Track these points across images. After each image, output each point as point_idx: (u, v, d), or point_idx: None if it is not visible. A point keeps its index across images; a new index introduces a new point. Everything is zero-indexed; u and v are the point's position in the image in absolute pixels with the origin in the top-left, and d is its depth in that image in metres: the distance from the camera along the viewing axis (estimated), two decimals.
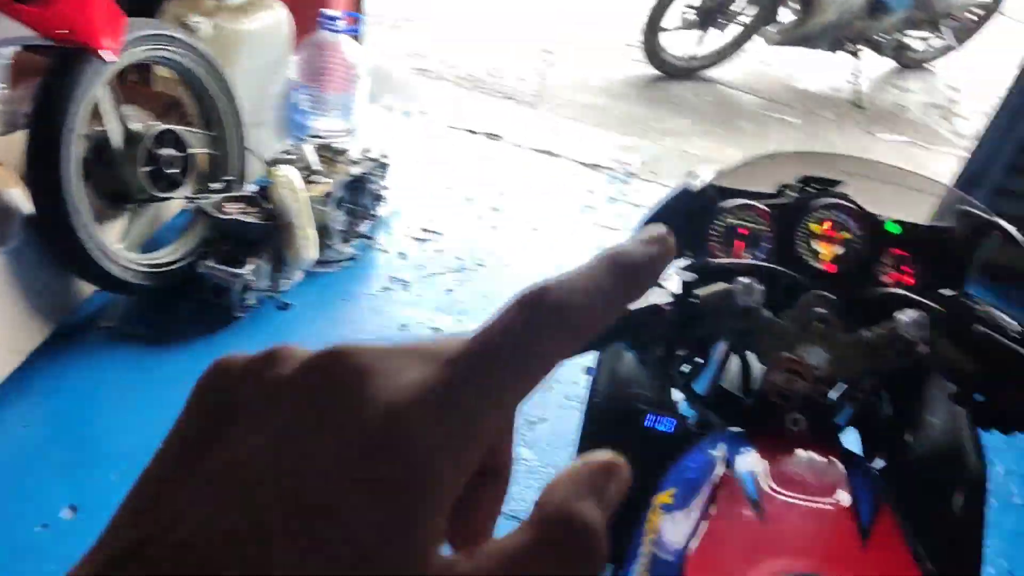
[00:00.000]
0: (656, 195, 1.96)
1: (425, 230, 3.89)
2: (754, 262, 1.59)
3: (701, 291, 1.47)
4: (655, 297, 1.39)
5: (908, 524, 1.28)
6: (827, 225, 1.68)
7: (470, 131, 4.72)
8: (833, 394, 1.49)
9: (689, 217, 1.69)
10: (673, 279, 1.44)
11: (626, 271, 0.31)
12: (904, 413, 1.67)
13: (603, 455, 0.30)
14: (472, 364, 0.27)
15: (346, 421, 0.26)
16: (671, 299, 1.40)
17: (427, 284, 3.60)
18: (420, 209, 4.03)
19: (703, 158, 5.09)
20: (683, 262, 1.50)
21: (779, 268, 1.55)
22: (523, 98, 5.41)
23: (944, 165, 4.74)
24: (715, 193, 1.69)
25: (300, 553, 0.23)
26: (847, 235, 1.66)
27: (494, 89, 5.46)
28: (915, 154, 5.78)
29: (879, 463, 1.68)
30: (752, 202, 1.68)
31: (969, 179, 4.33)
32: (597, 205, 4.38)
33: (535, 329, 0.28)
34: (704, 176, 1.68)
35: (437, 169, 4.28)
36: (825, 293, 1.51)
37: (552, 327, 0.29)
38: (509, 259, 3.82)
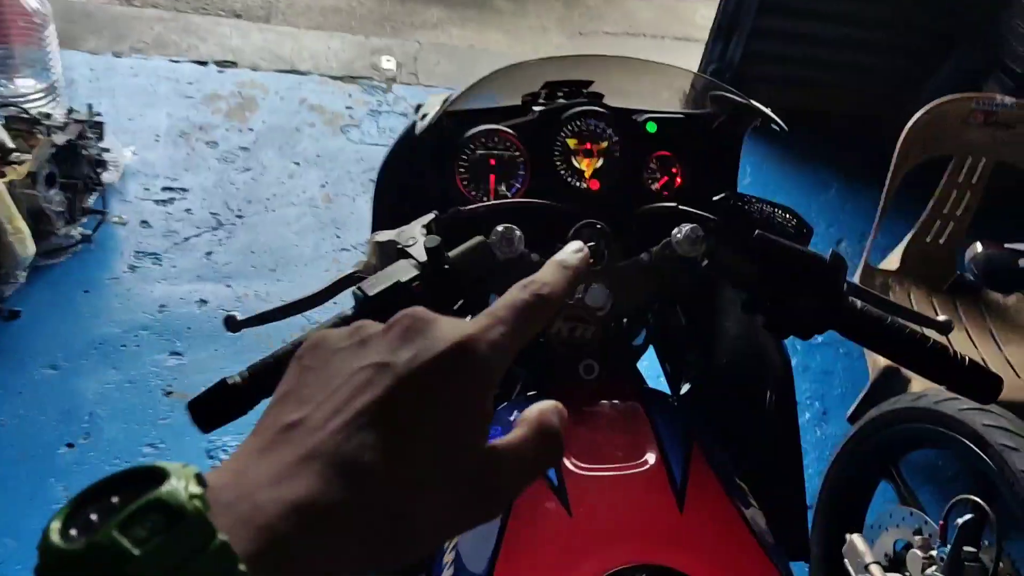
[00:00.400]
0: (421, 97, 1.67)
1: (168, 189, 3.43)
2: (508, 200, 1.38)
3: (453, 252, 1.24)
4: (399, 272, 1.14)
5: (720, 455, 1.16)
6: (583, 137, 1.49)
7: (198, 62, 4.16)
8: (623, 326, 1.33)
9: (432, 159, 1.44)
10: (417, 244, 1.20)
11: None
12: (699, 327, 1.55)
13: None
14: (491, 324, 0.45)
15: (431, 343, 0.43)
16: (416, 271, 1.16)
17: (181, 252, 3.18)
18: (157, 166, 3.53)
19: (465, 49, 4.81)
20: (427, 217, 1.25)
21: (536, 201, 1.35)
22: (253, 13, 4.84)
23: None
24: (451, 124, 1.44)
25: (413, 415, 0.41)
26: (604, 144, 1.48)
27: (217, 8, 4.84)
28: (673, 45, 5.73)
29: (685, 387, 1.57)
30: (495, 126, 1.45)
31: (723, 30, 4.33)
32: (359, 121, 4.03)
33: (516, 315, 0.47)
34: (433, 106, 1.43)
35: (167, 114, 3.74)
36: (593, 221, 1.33)
37: (522, 315, 0.48)
38: (271, 204, 3.45)
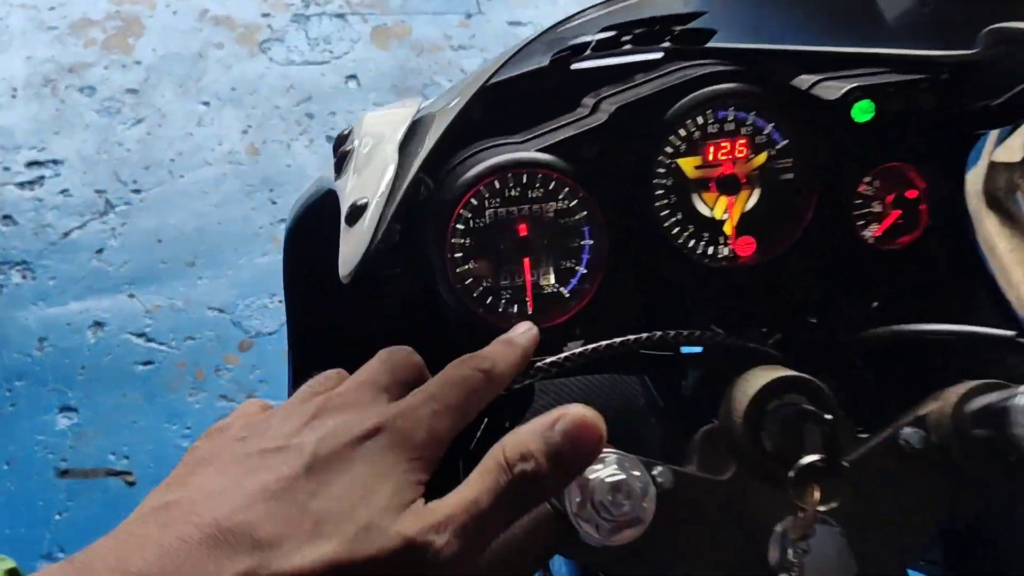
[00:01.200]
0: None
1: (34, 164, 2.53)
2: (611, 343, 0.61)
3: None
4: None
5: None
6: (712, 145, 0.69)
7: None
8: None
9: (389, 257, 0.64)
10: None
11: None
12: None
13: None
14: (421, 401, 0.46)
15: (347, 422, 0.44)
16: None
17: (61, 254, 2.34)
18: (16, 133, 2.61)
19: None
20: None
21: (668, 335, 0.59)
22: None
23: None
24: (433, 182, 0.64)
25: (319, 493, 0.40)
26: (758, 160, 0.68)
27: None
28: None
29: None
30: (519, 156, 0.65)
31: None
32: (282, 32, 3.07)
33: (455, 393, 0.47)
34: (378, 142, 0.61)
35: (24, 57, 2.78)
36: (799, 380, 0.57)
37: (461, 393, 0.47)
38: (177, 167, 2.56)
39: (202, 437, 0.45)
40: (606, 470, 0.54)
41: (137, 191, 2.55)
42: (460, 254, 0.69)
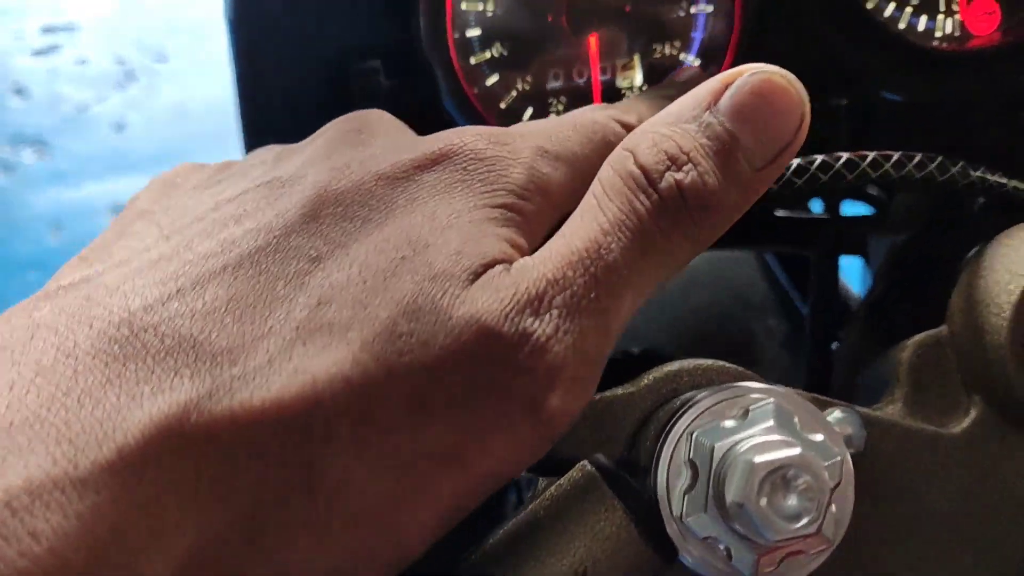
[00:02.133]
0: None
1: (49, 30, 2.32)
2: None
3: None
4: None
5: None
6: None
7: None
8: None
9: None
10: None
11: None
12: None
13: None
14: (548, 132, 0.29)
15: (397, 144, 0.29)
16: None
17: (77, 130, 2.15)
18: None
19: None
20: None
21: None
22: None
23: None
24: None
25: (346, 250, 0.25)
26: None
27: None
28: None
29: None
30: None
31: None
32: None
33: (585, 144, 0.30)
34: None
35: None
36: None
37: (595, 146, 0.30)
38: (206, 29, 2.31)
39: (151, 182, 0.32)
40: (756, 434, 0.25)
41: (162, 58, 2.32)
42: (473, 32, 0.40)
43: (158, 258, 0.25)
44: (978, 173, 0.35)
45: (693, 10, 0.41)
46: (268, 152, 0.30)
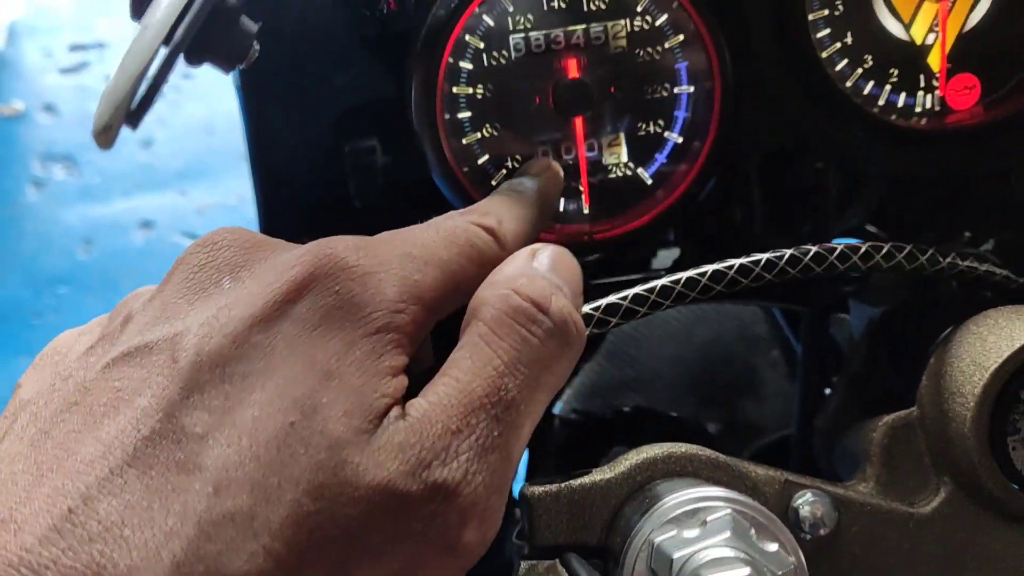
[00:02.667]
0: None
1: (78, 47, 2.35)
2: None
3: None
4: None
5: None
6: None
7: None
8: None
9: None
10: None
11: None
12: None
13: None
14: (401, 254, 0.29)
15: (256, 279, 0.27)
16: None
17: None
18: (59, 13, 2.43)
19: None
20: None
21: None
22: None
23: None
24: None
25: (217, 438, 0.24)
26: None
27: None
28: None
29: None
30: None
31: None
32: None
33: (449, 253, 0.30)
34: None
35: None
36: None
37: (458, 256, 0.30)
38: None
39: (35, 362, 0.30)
40: (713, 546, 0.26)
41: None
42: (464, 114, 0.41)
43: (40, 472, 0.24)
44: (948, 260, 0.36)
45: (676, 90, 0.42)
46: (136, 300, 0.29)
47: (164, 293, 0.27)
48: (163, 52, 0.23)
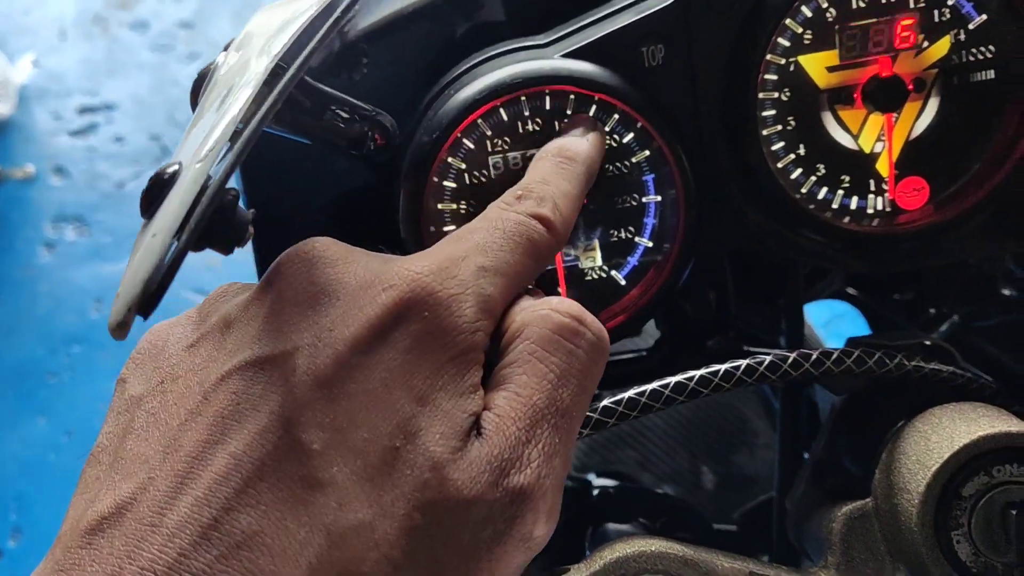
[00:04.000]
0: None
1: (87, 110, 2.41)
2: None
3: None
4: None
5: None
6: (846, 35, 0.39)
7: None
8: None
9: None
10: None
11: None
12: None
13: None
14: (470, 261, 0.31)
15: (351, 304, 0.29)
16: None
17: (116, 206, 2.23)
18: (68, 77, 2.48)
19: None
20: None
21: None
22: None
23: None
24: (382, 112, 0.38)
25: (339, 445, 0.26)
26: (939, 45, 0.39)
27: None
28: None
29: None
30: (554, 71, 0.41)
31: None
32: None
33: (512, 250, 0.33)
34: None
35: (63, 4, 2.61)
36: None
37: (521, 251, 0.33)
38: None
39: (134, 356, 0.31)
40: None
41: None
42: (449, 228, 0.45)
43: (179, 481, 0.26)
44: (913, 363, 0.39)
45: (644, 200, 0.46)
46: (228, 302, 0.31)
47: (266, 303, 0.29)
48: (174, 249, 0.26)
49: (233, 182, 0.61)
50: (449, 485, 0.26)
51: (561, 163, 0.39)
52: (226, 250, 0.30)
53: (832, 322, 1.35)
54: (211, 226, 0.27)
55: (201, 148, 0.26)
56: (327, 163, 0.52)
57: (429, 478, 0.26)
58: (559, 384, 0.29)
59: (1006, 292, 0.55)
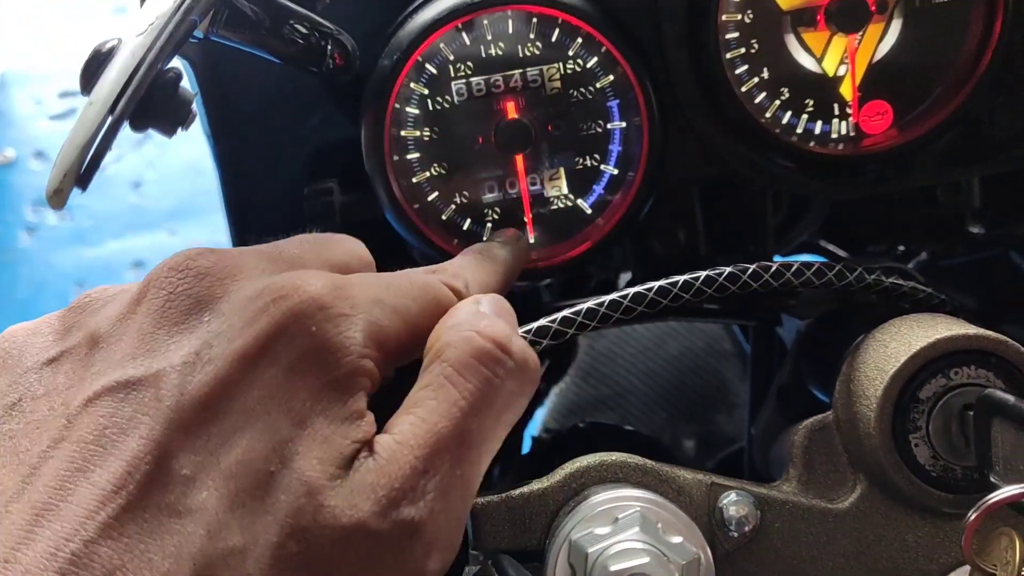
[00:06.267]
0: None
1: (68, 95, 2.39)
2: None
3: None
4: None
5: None
6: None
7: None
8: None
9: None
10: None
11: None
12: None
13: None
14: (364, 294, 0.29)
15: (236, 317, 0.27)
16: None
17: (98, 189, 2.17)
18: (46, 64, 2.45)
19: None
20: None
21: None
22: None
23: None
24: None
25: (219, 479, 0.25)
26: None
27: None
28: None
29: None
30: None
31: None
32: None
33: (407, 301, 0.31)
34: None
35: None
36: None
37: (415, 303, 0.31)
38: None
39: None
40: (622, 540, 0.29)
41: None
42: (413, 155, 0.44)
43: (36, 512, 0.24)
44: (873, 276, 0.39)
45: (609, 127, 0.46)
46: (97, 315, 0.29)
47: (138, 320, 0.27)
48: (109, 121, 0.25)
49: (200, 130, 0.61)
50: (325, 512, 0.25)
51: (481, 259, 0.38)
52: (168, 130, 0.29)
53: None
54: (150, 102, 0.27)
55: (142, 21, 0.26)
56: (297, 123, 0.52)
57: (304, 504, 0.25)
58: (470, 412, 0.27)
59: (974, 230, 0.55)
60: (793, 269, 0.38)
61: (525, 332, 0.37)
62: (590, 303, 0.37)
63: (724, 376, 0.90)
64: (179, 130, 0.31)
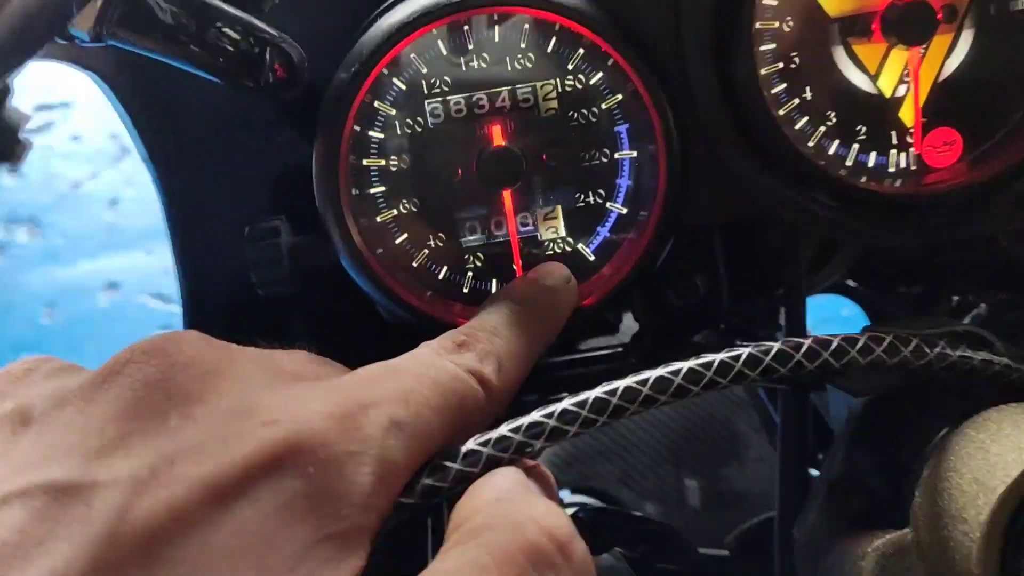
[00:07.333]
0: None
1: (43, 108, 2.32)
2: None
3: None
4: None
5: None
6: None
7: None
8: None
9: None
10: None
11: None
12: None
13: None
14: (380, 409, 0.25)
15: (213, 426, 0.22)
16: None
17: (72, 207, 2.14)
18: (22, 76, 2.37)
19: None
20: None
21: None
22: None
23: None
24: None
25: None
26: None
27: None
28: None
29: None
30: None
31: None
32: None
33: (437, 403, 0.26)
34: None
35: None
36: None
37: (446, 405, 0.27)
38: None
39: None
40: None
41: None
42: (377, 189, 0.36)
43: None
44: (936, 351, 0.31)
45: (616, 156, 0.37)
46: (36, 386, 0.23)
47: (87, 407, 0.21)
48: None
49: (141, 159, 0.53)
50: None
51: (519, 316, 0.31)
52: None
53: (817, 328, 1.28)
54: None
55: None
56: (260, 137, 0.44)
57: None
58: None
59: None
60: (859, 345, 0.30)
61: (545, 418, 0.28)
62: (598, 392, 0.29)
63: (735, 425, 0.82)
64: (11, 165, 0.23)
